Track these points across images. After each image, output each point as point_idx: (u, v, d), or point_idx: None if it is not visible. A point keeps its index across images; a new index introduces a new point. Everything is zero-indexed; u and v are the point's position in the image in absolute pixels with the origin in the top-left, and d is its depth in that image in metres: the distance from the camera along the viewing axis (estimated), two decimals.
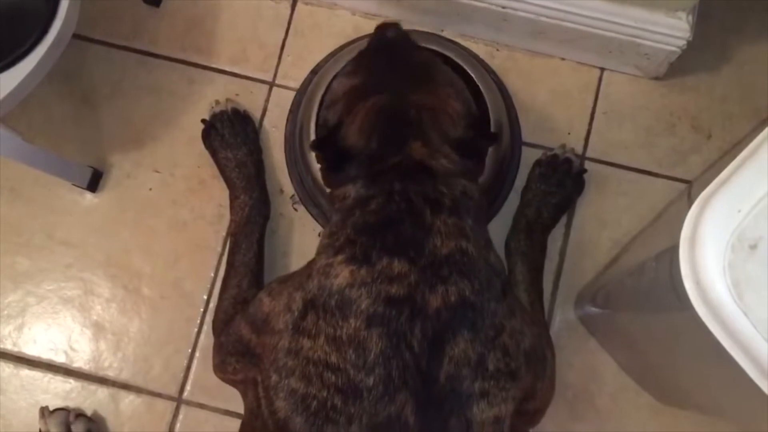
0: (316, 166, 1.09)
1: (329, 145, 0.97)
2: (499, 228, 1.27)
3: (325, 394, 0.85)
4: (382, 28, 1.07)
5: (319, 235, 1.19)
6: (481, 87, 1.24)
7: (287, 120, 1.35)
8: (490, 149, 1.22)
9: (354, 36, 1.37)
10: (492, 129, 1.23)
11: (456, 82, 1.04)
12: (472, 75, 1.25)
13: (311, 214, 1.31)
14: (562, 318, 1.28)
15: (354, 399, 0.84)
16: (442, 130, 0.95)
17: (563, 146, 1.30)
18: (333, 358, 0.85)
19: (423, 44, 1.28)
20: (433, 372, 0.84)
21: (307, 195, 1.31)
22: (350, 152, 0.95)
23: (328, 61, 1.35)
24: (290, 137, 1.34)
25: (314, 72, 1.35)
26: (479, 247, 0.91)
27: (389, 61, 1.02)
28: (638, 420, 1.25)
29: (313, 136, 1.22)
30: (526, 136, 1.34)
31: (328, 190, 1.00)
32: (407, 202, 0.89)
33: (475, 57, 1.35)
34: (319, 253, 0.94)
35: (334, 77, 1.09)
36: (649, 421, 1.24)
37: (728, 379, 0.73)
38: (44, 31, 1.05)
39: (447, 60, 1.21)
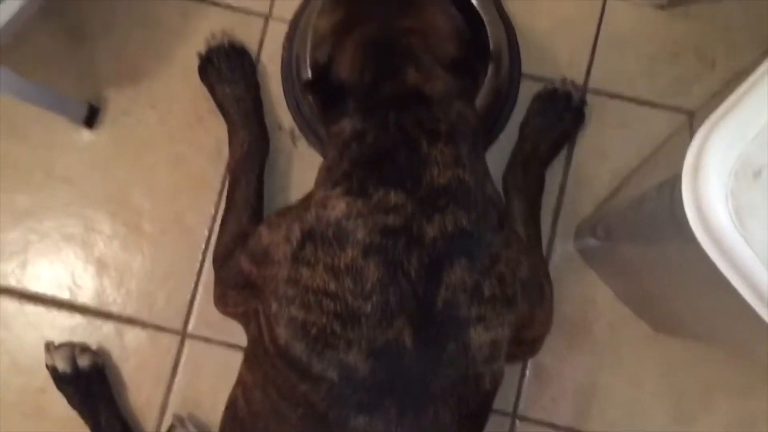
0: None
1: (322, 83, 0.96)
2: (497, 163, 1.26)
3: (324, 320, 0.86)
4: None
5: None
6: (481, 13, 1.22)
7: (283, 47, 1.33)
8: (488, 76, 1.21)
9: None
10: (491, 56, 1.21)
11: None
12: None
13: (309, 143, 1.30)
14: (562, 251, 1.29)
15: (352, 325, 0.85)
16: (434, 52, 0.93)
17: (563, 80, 1.28)
18: (331, 286, 0.86)
19: None
20: (430, 298, 0.86)
21: (305, 123, 1.30)
22: (344, 87, 0.93)
23: None
24: (286, 64, 1.31)
25: None
26: (476, 176, 0.91)
27: None
28: (634, 348, 1.26)
29: (309, 63, 1.18)
30: (527, 67, 1.31)
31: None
32: (403, 133, 0.89)
33: None
34: (317, 186, 0.94)
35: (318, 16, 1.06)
36: (645, 350, 1.26)
37: (726, 306, 0.73)
38: None
39: None
